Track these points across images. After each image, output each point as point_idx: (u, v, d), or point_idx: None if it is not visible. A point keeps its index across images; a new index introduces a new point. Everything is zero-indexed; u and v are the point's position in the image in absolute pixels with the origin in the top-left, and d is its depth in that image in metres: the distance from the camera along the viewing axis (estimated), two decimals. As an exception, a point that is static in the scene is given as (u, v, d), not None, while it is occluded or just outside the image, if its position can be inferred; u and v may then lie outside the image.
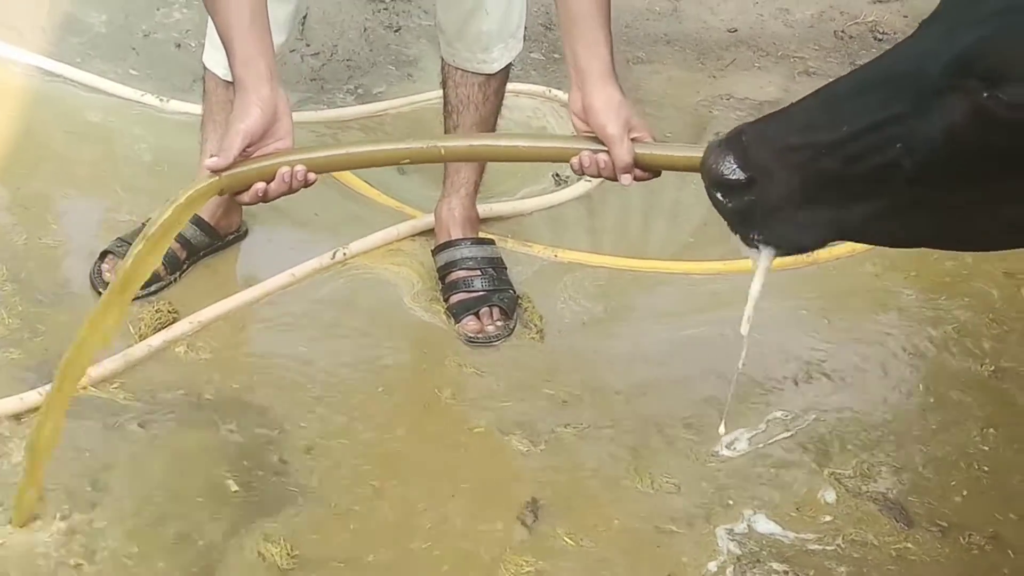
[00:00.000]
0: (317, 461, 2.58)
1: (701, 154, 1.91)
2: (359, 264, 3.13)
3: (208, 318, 2.87)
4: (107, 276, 2.90)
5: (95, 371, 2.66)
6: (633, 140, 2.15)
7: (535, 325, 2.99)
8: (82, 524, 2.38)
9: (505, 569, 2.38)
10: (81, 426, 2.57)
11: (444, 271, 3.05)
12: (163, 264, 2.92)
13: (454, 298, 3.00)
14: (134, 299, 2.68)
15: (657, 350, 2.94)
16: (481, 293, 2.98)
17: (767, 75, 4.14)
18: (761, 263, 1.76)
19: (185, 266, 3.02)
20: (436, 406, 2.76)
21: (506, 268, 3.08)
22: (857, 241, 1.81)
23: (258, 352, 2.86)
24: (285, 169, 2.10)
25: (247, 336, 2.90)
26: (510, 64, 2.99)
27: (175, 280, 2.98)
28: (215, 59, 2.90)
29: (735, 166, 1.66)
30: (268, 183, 2.11)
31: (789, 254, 1.73)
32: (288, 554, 2.37)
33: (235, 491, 2.50)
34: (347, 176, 3.38)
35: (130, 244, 2.76)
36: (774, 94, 3.99)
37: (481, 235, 3.13)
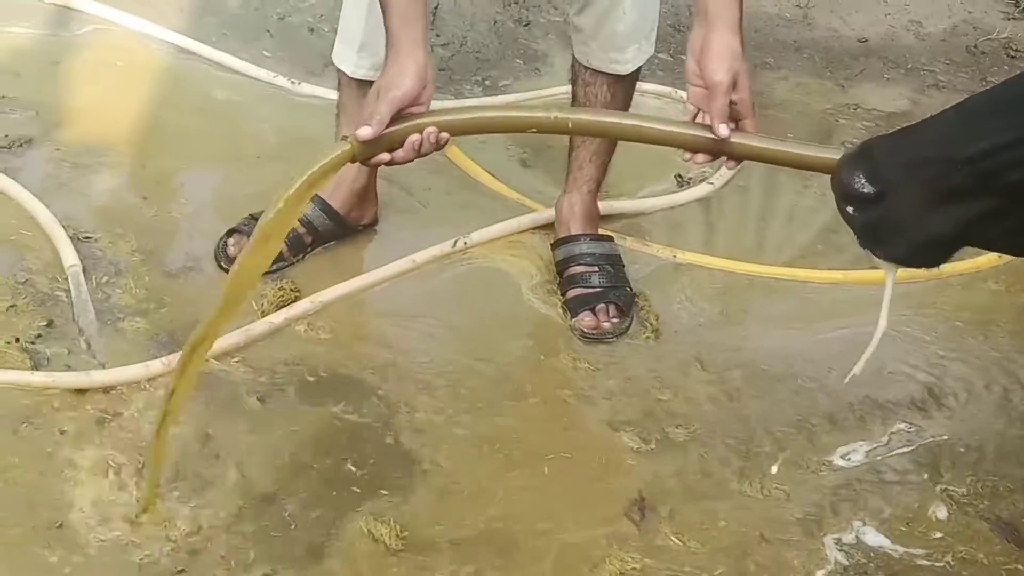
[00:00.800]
0: (429, 446, 2.61)
1: (804, 151, 1.94)
2: (479, 254, 3.15)
3: (329, 298, 2.91)
4: (232, 251, 2.95)
5: (217, 344, 2.71)
6: (732, 103, 2.12)
7: (651, 324, 2.99)
8: (195, 495, 2.43)
9: (611, 564, 2.39)
10: (200, 398, 2.62)
11: (562, 266, 3.06)
12: (287, 245, 2.97)
13: (571, 293, 3.00)
14: (276, 270, 2.88)
15: (773, 356, 2.93)
16: (598, 289, 2.99)
17: (896, 87, 4.10)
18: (888, 279, 1.77)
19: (309, 250, 3.05)
20: (548, 399, 2.78)
21: (624, 265, 3.08)
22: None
23: (376, 335, 2.89)
24: (415, 136, 2.10)
25: (366, 318, 2.94)
26: (640, 68, 2.99)
27: (297, 262, 3.02)
28: (344, 56, 2.94)
29: (864, 179, 1.66)
30: (394, 151, 2.11)
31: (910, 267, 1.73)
32: (398, 535, 2.40)
33: (347, 470, 2.53)
34: (471, 166, 3.41)
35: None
36: (903, 106, 3.95)
37: (600, 232, 3.13)
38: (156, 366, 2.66)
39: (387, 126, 2.08)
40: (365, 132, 2.07)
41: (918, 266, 1.72)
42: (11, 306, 2.78)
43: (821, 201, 3.37)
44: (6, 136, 3.29)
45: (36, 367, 2.65)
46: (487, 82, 3.92)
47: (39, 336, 2.73)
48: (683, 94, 3.77)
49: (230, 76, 3.78)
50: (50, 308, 2.80)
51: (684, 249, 3.24)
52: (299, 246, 3.02)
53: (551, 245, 3.12)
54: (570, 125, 2.24)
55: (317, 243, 3.07)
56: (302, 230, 3.01)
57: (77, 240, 2.97)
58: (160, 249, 3.03)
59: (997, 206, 1.56)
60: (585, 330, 2.94)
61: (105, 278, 2.90)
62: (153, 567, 2.29)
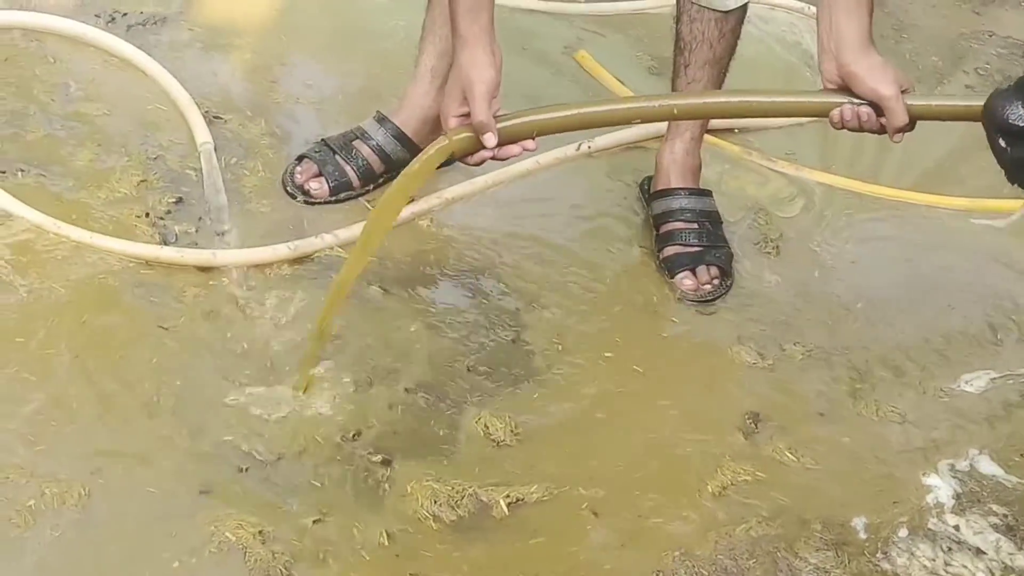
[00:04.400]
0: (547, 346, 2.63)
1: (977, 103, 1.91)
2: (602, 157, 3.14)
3: (454, 195, 2.92)
4: (299, 179, 2.89)
5: (343, 234, 2.75)
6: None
7: (772, 240, 2.97)
8: (315, 382, 2.48)
9: (722, 474, 2.41)
10: (324, 283, 2.66)
11: (659, 220, 2.93)
12: (357, 175, 2.91)
13: (669, 250, 2.88)
14: (336, 201, 2.89)
15: (897, 280, 2.91)
16: (697, 249, 2.86)
17: (1034, 15, 4.01)
18: None
19: (380, 180, 2.94)
20: (668, 308, 2.79)
21: (722, 223, 2.95)
22: None
23: (498, 233, 2.88)
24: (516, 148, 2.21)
25: (488, 216, 2.93)
26: (747, 3, 2.86)
27: (367, 192, 2.93)
28: None
29: (1023, 111, 1.65)
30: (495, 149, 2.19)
31: None
32: (512, 431, 2.44)
33: (465, 365, 2.57)
34: (600, 72, 3.39)
35: (330, 149, 2.91)
36: (1039, 36, 3.87)
37: (702, 186, 3.00)
38: (282, 250, 2.69)
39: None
40: (491, 140, 2.17)
41: None
42: (142, 181, 2.83)
43: (944, 125, 3.31)
44: (141, 13, 3.32)
45: (164, 242, 2.70)
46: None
47: (168, 212, 2.77)
48: (814, 9, 3.74)
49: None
50: (180, 186, 2.84)
51: (809, 167, 3.20)
52: (370, 175, 2.92)
53: (647, 198, 3.01)
54: (676, 111, 2.30)
55: (389, 172, 2.92)
56: (374, 159, 2.92)
57: (208, 120, 2.99)
58: (288, 134, 3.05)
59: None
60: (686, 291, 2.82)
61: (234, 159, 2.93)
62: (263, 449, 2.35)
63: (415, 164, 2.25)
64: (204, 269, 2.66)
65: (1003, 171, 1.73)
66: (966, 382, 2.64)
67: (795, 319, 2.78)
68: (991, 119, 1.69)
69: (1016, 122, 1.65)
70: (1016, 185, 1.72)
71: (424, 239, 2.84)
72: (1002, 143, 1.68)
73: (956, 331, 2.78)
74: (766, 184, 3.15)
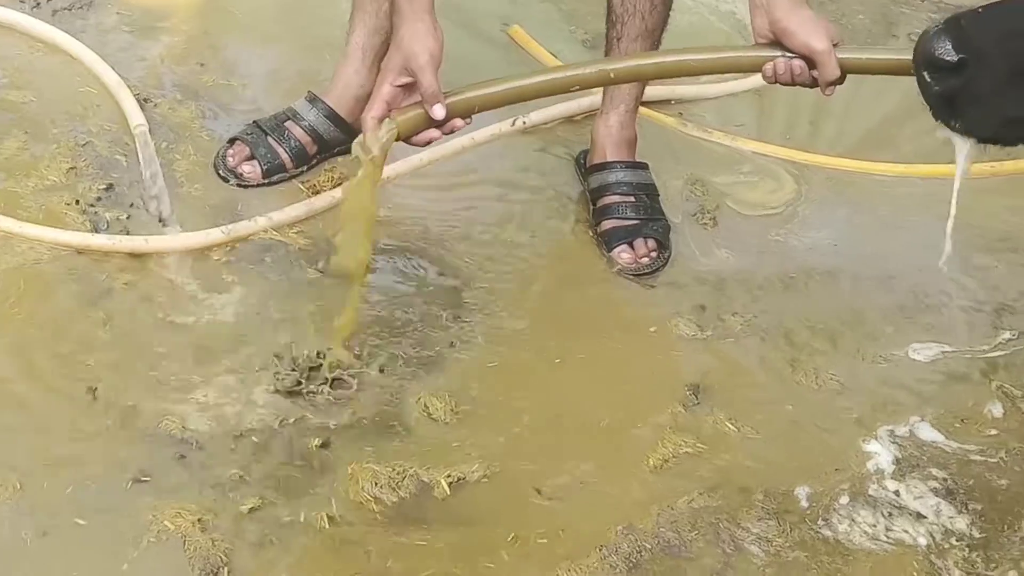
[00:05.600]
0: (486, 325, 2.62)
1: (906, 57, 1.94)
2: (538, 132, 3.12)
3: (389, 174, 2.87)
4: (230, 162, 2.86)
5: (278, 216, 2.74)
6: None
7: (709, 212, 2.97)
8: (256, 365, 2.47)
9: (664, 447, 2.41)
10: (259, 267, 2.66)
11: (596, 194, 2.92)
12: (290, 156, 2.87)
13: (606, 224, 2.87)
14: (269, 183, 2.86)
15: (838, 248, 2.92)
16: (635, 222, 2.85)
17: (966, -23, 4.02)
18: (959, 154, 1.80)
19: (314, 162, 2.92)
20: (604, 280, 2.79)
21: (659, 195, 2.94)
22: None
23: (434, 211, 2.87)
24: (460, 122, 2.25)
25: (424, 195, 2.92)
26: None
27: (301, 173, 2.90)
28: None
29: (949, 46, 1.69)
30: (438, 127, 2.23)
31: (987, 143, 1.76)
32: (452, 410, 2.43)
33: (405, 344, 2.55)
34: (534, 46, 3.37)
35: (262, 131, 2.87)
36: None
37: (637, 159, 2.97)
38: (216, 234, 2.67)
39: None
40: (439, 112, 2.19)
41: (994, 141, 1.75)
42: (72, 168, 2.80)
43: (879, 93, 3.32)
44: (67, -3, 3.28)
45: (95, 230, 2.67)
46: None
47: (99, 199, 2.74)
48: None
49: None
50: (110, 172, 2.81)
51: (745, 137, 3.20)
52: (303, 157, 2.89)
53: (583, 172, 2.99)
54: (612, 75, 2.34)
55: (323, 152, 2.92)
56: (307, 139, 2.89)
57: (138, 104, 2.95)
58: (219, 117, 3.02)
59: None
60: (623, 265, 2.81)
61: (165, 143, 2.90)
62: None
63: (373, 151, 2.22)
64: (137, 256, 2.63)
65: (929, 109, 1.77)
66: (915, 351, 2.66)
67: (733, 290, 2.78)
68: (920, 55, 1.74)
69: (943, 56, 1.69)
70: (940, 121, 1.77)
71: (360, 219, 2.82)
72: (928, 77, 1.73)
73: (897, 299, 2.79)
74: (703, 155, 3.15)
